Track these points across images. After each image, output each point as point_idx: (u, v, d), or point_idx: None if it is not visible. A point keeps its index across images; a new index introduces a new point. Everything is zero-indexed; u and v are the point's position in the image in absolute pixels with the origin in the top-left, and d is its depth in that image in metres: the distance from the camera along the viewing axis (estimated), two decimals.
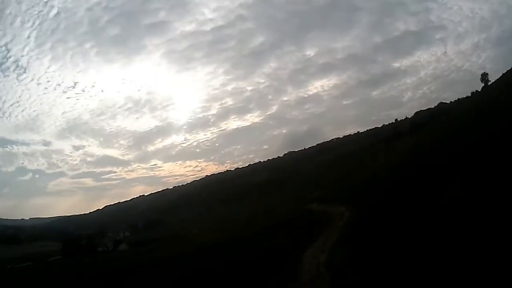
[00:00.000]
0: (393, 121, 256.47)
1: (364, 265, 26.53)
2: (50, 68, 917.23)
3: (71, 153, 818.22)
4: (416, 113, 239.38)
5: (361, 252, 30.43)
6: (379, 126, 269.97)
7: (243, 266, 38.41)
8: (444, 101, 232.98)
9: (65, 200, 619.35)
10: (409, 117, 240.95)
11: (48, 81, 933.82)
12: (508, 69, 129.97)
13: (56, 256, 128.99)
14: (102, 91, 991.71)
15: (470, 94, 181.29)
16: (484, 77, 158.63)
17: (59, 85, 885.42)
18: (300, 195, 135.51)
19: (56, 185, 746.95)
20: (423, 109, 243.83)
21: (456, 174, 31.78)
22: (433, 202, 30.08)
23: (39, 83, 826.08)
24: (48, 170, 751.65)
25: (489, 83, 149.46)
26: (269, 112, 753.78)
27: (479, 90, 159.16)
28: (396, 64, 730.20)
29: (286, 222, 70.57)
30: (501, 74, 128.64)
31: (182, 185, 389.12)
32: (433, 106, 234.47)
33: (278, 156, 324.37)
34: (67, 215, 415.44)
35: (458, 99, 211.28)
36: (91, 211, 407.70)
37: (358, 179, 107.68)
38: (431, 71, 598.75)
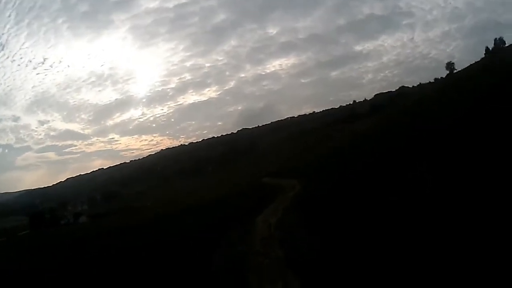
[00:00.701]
0: (351, 103, 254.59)
1: (311, 228, 29.36)
2: (25, 44, 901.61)
3: (36, 127, 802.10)
4: (376, 95, 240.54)
5: (309, 217, 33.40)
6: (336, 107, 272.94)
7: (197, 232, 40.35)
8: (406, 85, 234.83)
9: (31, 174, 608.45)
10: (368, 99, 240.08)
11: (21, 58, 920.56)
12: (476, 60, 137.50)
13: (25, 231, 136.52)
14: (68, 66, 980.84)
15: (433, 80, 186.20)
16: (450, 65, 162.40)
17: (30, 61, 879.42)
18: (254, 170, 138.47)
19: (23, 160, 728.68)
20: (384, 91, 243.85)
21: (416, 157, 34.73)
22: (387, 179, 33.35)
23: (13, 60, 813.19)
24: (16, 145, 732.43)
25: (454, 72, 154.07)
26: (226, 87, 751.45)
27: (443, 77, 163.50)
28: (358, 47, 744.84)
29: (239, 193, 73.09)
30: (468, 65, 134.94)
31: (139, 159, 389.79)
32: (394, 90, 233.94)
33: (232, 133, 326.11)
34: (33, 188, 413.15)
35: (420, 84, 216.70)
36: (54, 183, 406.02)
37: (311, 156, 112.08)
38: (395, 56, 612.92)
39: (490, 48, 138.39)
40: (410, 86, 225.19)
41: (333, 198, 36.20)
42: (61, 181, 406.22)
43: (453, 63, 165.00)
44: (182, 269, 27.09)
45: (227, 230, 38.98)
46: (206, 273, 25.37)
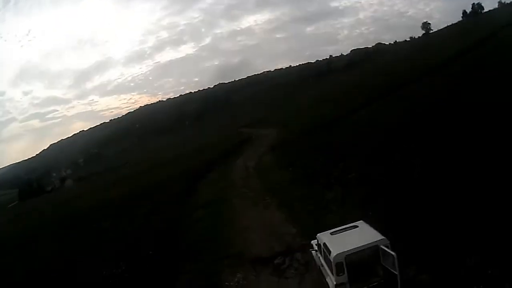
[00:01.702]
0: (327, 57, 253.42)
1: (283, 166, 34.16)
2: (11, 20, 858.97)
3: (21, 98, 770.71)
4: (352, 51, 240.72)
5: (282, 158, 38.31)
6: (312, 62, 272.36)
7: (183, 176, 44.53)
8: (382, 42, 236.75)
9: (16, 146, 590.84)
10: (345, 54, 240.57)
11: (8, 34, 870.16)
12: (454, 22, 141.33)
13: (14, 202, 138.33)
14: (50, 35, 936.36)
15: (408, 39, 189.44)
16: (426, 25, 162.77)
17: (16, 35, 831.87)
18: (230, 122, 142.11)
19: (8, 132, 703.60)
20: (360, 47, 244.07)
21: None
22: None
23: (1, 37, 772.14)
24: (2, 119, 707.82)
25: (430, 32, 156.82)
26: (202, 44, 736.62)
27: (419, 36, 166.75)
28: (335, 3, 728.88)
29: (218, 143, 76.99)
30: (445, 26, 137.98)
31: (118, 117, 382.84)
32: (370, 46, 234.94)
33: (209, 87, 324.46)
34: (18, 161, 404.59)
35: (396, 41, 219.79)
36: (38, 152, 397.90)
37: (286, 108, 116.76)
38: (371, 13, 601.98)
39: (468, 12, 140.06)
40: (387, 43, 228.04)
41: (301, 142, 41.46)
42: (44, 149, 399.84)
43: (429, 23, 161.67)
44: (175, 199, 31.93)
45: (208, 173, 43.92)
46: (195, 203, 30.24)
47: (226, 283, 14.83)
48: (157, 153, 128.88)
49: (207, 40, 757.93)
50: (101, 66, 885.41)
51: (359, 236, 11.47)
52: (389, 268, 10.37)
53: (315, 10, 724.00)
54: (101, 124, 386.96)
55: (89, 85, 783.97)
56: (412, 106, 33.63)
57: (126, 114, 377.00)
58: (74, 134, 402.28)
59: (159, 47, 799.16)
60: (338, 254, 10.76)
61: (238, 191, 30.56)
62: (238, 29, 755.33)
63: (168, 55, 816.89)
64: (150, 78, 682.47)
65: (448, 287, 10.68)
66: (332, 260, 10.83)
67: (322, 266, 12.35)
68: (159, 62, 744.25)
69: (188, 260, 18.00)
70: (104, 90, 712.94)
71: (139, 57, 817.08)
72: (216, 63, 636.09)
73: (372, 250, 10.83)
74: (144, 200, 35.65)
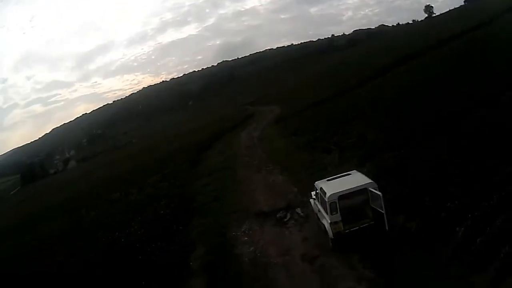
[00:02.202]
0: (329, 36, 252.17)
1: (284, 142, 35.48)
2: (13, 8, 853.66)
3: (23, 84, 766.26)
4: (355, 31, 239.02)
5: (286, 130, 39.68)
6: (315, 40, 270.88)
7: (190, 148, 46.05)
8: (385, 24, 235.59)
9: (19, 132, 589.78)
10: (347, 34, 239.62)
11: (10, 21, 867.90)
12: (456, 7, 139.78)
13: (17, 188, 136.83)
14: (53, 18, 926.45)
15: (411, 21, 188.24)
16: (428, 8, 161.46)
17: (18, 23, 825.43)
18: (235, 100, 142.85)
19: (10, 118, 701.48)
20: (363, 28, 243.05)
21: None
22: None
23: (3, 26, 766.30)
24: (4, 105, 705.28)
25: (433, 15, 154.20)
26: (205, 24, 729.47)
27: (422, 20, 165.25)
28: None
29: (224, 118, 78.33)
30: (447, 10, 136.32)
31: (121, 99, 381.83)
32: (373, 27, 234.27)
33: (212, 65, 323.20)
34: (21, 145, 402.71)
35: (399, 23, 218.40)
36: (40, 136, 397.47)
37: (289, 85, 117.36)
38: None
39: None
40: (390, 25, 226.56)
41: (303, 115, 42.93)
42: (46, 133, 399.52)
43: (432, 6, 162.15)
44: (183, 169, 33.50)
45: (215, 144, 45.60)
46: (204, 171, 31.78)
47: (233, 233, 16.36)
48: (161, 131, 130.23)
49: (211, 21, 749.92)
50: (104, 48, 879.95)
51: (351, 180, 12.96)
52: (377, 209, 11.80)
53: None
54: (104, 106, 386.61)
55: (92, 67, 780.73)
56: (410, 81, 34.82)
57: (130, 95, 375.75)
58: (77, 117, 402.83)
59: (163, 28, 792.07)
60: (332, 194, 12.22)
61: (243, 160, 32.00)
62: (243, 9, 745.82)
63: (171, 35, 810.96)
64: (153, 57, 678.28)
65: (432, 230, 12.01)
66: (327, 200, 12.28)
67: (319, 211, 13.80)
68: (161, 43, 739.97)
69: (199, 217, 19.56)
70: (106, 72, 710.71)
71: (141, 38, 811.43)
72: (218, 42, 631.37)
73: (362, 192, 12.28)
74: (152, 172, 37.20)
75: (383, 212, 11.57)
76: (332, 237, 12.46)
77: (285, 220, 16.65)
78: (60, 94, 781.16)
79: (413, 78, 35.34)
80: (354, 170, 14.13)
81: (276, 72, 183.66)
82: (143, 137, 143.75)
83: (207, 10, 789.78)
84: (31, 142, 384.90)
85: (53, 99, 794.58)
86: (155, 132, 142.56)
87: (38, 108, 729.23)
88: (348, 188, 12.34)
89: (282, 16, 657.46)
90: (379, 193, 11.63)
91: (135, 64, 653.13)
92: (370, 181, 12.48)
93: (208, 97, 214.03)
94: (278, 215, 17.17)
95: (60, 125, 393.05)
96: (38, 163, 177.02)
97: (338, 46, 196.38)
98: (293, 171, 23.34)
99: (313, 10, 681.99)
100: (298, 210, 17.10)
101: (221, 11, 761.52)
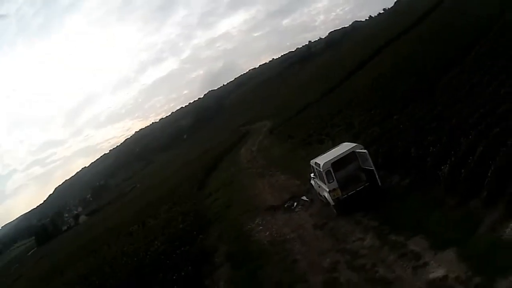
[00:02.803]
0: (307, 43, 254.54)
1: (281, 147, 37.25)
2: None
3: (18, 148, 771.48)
4: (330, 33, 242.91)
5: (278, 141, 41.61)
6: (293, 50, 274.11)
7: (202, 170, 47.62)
8: (358, 20, 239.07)
9: (22, 196, 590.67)
10: (323, 37, 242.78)
11: None
12: None
13: (33, 249, 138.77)
14: (35, 80, 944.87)
15: (382, 11, 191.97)
16: None
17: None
18: (228, 126, 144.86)
19: (12, 184, 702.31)
20: (338, 28, 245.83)
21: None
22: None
23: None
24: (3, 172, 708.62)
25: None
26: (182, 57, 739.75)
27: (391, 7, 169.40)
28: None
29: (223, 141, 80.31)
30: None
31: (117, 146, 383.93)
32: (347, 26, 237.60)
33: (199, 98, 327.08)
34: (29, 210, 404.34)
35: (370, 16, 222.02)
36: (45, 198, 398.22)
37: (276, 99, 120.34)
38: None
39: None
40: (363, 20, 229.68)
41: (295, 120, 45.10)
42: (50, 194, 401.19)
43: None
44: (192, 192, 34.96)
45: (218, 164, 47.40)
46: (212, 189, 33.25)
47: (248, 226, 17.76)
48: (163, 168, 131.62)
49: (187, 53, 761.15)
50: (90, 100, 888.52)
51: (340, 149, 14.60)
52: (368, 168, 13.36)
53: (289, 1, 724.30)
54: (101, 156, 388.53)
55: (82, 120, 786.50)
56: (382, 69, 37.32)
57: (124, 141, 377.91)
58: (77, 172, 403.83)
59: (143, 69, 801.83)
60: (325, 163, 13.75)
61: (246, 171, 33.59)
62: (216, 35, 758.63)
63: (152, 75, 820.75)
64: (140, 100, 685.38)
65: (423, 186, 13.40)
66: (322, 170, 13.78)
67: (319, 187, 15.30)
68: (145, 84, 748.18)
69: (215, 224, 21.10)
70: (97, 123, 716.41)
71: (125, 82, 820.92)
72: (201, 72, 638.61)
73: (352, 158, 13.90)
74: (163, 201, 38.70)
75: (372, 168, 13.10)
76: (333, 204, 13.92)
77: (293, 207, 18.08)
78: (56, 153, 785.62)
79: (383, 66, 37.97)
80: (344, 142, 15.74)
81: (263, 90, 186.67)
82: (146, 178, 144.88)
83: (181, 44, 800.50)
84: (37, 206, 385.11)
85: (50, 159, 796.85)
86: (157, 171, 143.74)
87: (37, 170, 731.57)
88: (338, 155, 13.90)
89: (256, 34, 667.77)
90: (365, 151, 13.23)
91: (123, 111, 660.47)
92: (356, 144, 14.12)
93: (201, 128, 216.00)
94: (286, 205, 18.60)
95: (62, 183, 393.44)
96: (49, 223, 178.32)
97: (317, 51, 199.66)
98: (293, 168, 24.87)
99: (285, 22, 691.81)
100: (303, 197, 18.51)
101: (195, 41, 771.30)
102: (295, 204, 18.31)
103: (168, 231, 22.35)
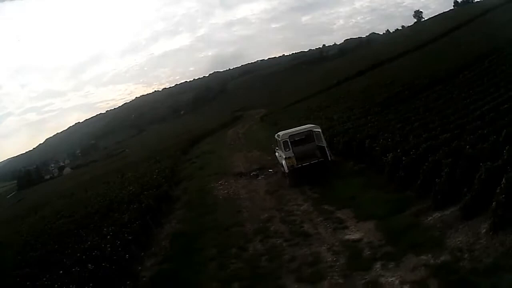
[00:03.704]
0: (321, 46, 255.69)
1: (265, 132, 38.82)
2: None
3: (18, 92, 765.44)
4: (346, 40, 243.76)
5: (265, 127, 43.26)
6: (306, 51, 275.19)
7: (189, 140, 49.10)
8: (376, 32, 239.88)
9: (13, 140, 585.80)
10: (338, 44, 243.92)
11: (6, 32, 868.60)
12: (444, 11, 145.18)
13: (13, 192, 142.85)
14: (46, 29, 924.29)
15: (400, 27, 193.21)
16: (418, 14, 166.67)
17: (12, 32, 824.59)
18: (225, 109, 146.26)
19: (4, 127, 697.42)
20: (354, 37, 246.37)
21: None
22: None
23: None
24: None
25: (422, 20, 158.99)
26: (198, 35, 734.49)
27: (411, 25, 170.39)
28: None
29: (212, 122, 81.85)
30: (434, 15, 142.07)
31: (114, 109, 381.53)
32: (364, 36, 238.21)
33: (204, 76, 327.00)
34: (16, 155, 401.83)
35: (388, 30, 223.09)
36: (35, 146, 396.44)
37: (277, 93, 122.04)
38: (368, 3, 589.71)
39: (459, 1, 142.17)
40: (381, 33, 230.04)
41: (285, 111, 46.77)
42: (40, 143, 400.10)
43: (421, 11, 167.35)
44: (175, 155, 36.51)
45: (204, 139, 48.87)
46: (192, 155, 34.81)
47: (212, 185, 19.54)
48: (154, 138, 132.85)
49: (203, 31, 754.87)
50: (96, 58, 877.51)
51: (300, 127, 16.47)
52: (321, 144, 15.16)
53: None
54: (97, 115, 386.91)
55: (85, 76, 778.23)
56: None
57: (122, 105, 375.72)
58: (70, 126, 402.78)
59: (155, 38, 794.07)
60: (283, 134, 15.79)
61: (227, 147, 35.31)
62: (234, 19, 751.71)
63: (163, 46, 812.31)
64: (146, 68, 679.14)
65: (371, 172, 15.04)
66: (280, 140, 15.61)
67: (280, 156, 17.03)
68: (153, 53, 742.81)
69: (185, 181, 22.91)
70: (99, 81, 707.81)
71: (134, 48, 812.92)
72: (210, 53, 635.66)
73: (310, 135, 15.79)
74: (147, 160, 40.32)
75: (324, 145, 14.94)
76: (287, 171, 15.63)
77: (257, 176, 19.77)
78: (54, 103, 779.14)
79: (380, 76, 39.93)
80: (306, 124, 17.59)
81: (266, 83, 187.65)
82: (136, 146, 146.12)
83: (199, 20, 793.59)
84: (26, 152, 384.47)
85: (47, 108, 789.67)
86: (148, 140, 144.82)
87: (32, 116, 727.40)
88: (297, 130, 15.81)
89: (274, 26, 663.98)
90: (319, 130, 15.05)
91: (128, 74, 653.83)
92: (314, 125, 15.98)
93: (200, 107, 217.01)
94: (251, 174, 20.29)
95: (54, 135, 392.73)
96: (34, 170, 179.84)
97: (328, 56, 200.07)
98: (269, 148, 26.51)
99: (304, 19, 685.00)
100: (270, 170, 20.17)
101: (213, 21, 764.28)
102: (259, 173, 19.99)
103: (142, 180, 23.89)
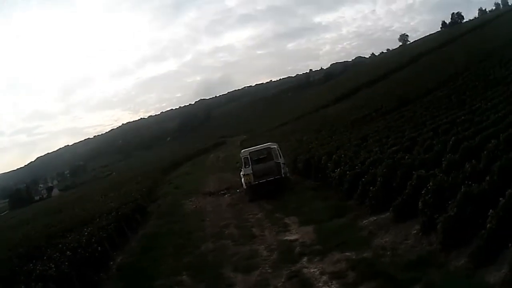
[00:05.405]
0: (308, 71, 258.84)
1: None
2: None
3: (9, 111, 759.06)
4: (332, 64, 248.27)
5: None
6: (293, 76, 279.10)
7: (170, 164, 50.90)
8: (362, 56, 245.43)
9: (4, 158, 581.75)
10: (325, 68, 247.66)
11: None
12: (431, 33, 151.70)
13: (6, 211, 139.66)
14: (37, 47, 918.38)
15: (385, 51, 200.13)
16: (403, 37, 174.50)
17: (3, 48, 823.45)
18: (210, 136, 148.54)
19: None
20: (340, 61, 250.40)
21: None
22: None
23: None
24: None
25: (407, 43, 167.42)
26: (184, 60, 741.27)
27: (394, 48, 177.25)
28: (318, 19, 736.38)
29: (199, 150, 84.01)
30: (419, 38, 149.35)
31: (101, 134, 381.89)
32: (350, 60, 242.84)
33: (190, 104, 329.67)
34: (7, 171, 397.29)
35: (373, 53, 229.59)
36: (26, 164, 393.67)
37: (259, 120, 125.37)
38: (355, 29, 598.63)
39: (447, 23, 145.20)
40: (367, 56, 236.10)
41: (260, 138, 49.22)
42: (31, 161, 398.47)
43: (407, 35, 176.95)
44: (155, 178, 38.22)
45: (185, 163, 50.79)
46: (171, 177, 36.63)
47: (183, 201, 21.68)
48: (140, 164, 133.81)
49: (189, 57, 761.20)
50: (84, 81, 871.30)
51: (261, 145, 18.69)
52: (277, 160, 17.21)
53: (298, 26, 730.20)
54: (85, 140, 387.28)
55: (73, 100, 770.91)
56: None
57: (109, 131, 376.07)
58: (60, 148, 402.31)
59: (142, 62, 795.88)
60: (244, 151, 18.11)
61: (204, 170, 37.30)
62: (220, 45, 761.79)
63: (150, 70, 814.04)
64: (133, 93, 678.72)
65: (323, 187, 17.07)
66: (241, 157, 17.65)
67: (241, 173, 19.00)
68: (140, 78, 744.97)
69: (161, 199, 24.95)
70: (87, 105, 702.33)
71: (122, 72, 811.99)
72: (198, 79, 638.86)
73: (270, 153, 18.27)
74: (128, 183, 41.77)
75: (279, 161, 17.00)
76: (245, 187, 17.64)
77: (224, 195, 21.77)
78: (43, 126, 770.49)
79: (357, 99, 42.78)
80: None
81: (253, 109, 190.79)
82: (123, 170, 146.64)
83: (185, 46, 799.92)
84: (18, 168, 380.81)
85: (37, 130, 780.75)
86: (134, 164, 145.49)
87: (23, 137, 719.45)
88: (256, 148, 18.05)
89: (259, 52, 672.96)
90: (275, 146, 17.22)
91: (115, 99, 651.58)
92: (272, 143, 18.28)
93: (185, 134, 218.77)
94: (220, 193, 22.37)
95: (44, 154, 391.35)
96: (24, 190, 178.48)
97: (315, 81, 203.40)
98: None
99: (290, 45, 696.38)
100: (238, 190, 22.01)
101: (199, 47, 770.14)
102: (226, 192, 22.04)
103: (123, 198, 25.60)
